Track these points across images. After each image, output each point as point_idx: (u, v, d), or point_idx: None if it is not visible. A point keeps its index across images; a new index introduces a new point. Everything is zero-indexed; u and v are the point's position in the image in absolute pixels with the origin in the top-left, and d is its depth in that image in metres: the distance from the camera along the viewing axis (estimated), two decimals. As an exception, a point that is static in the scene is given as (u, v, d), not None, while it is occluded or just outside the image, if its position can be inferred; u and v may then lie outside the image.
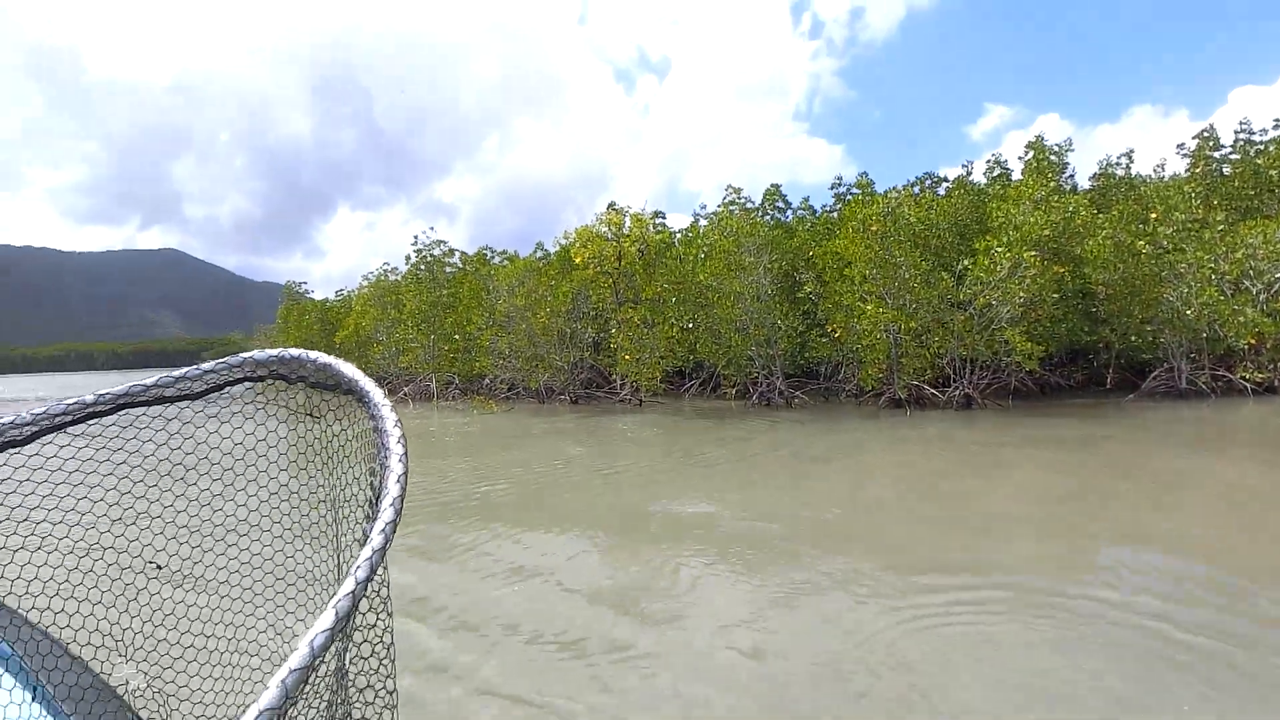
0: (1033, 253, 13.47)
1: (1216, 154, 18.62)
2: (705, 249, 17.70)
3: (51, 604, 1.12)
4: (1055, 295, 14.34)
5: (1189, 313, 14.13)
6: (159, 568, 1.10)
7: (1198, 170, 17.87)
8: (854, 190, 19.95)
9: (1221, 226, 14.56)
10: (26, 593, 1.11)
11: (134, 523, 1.12)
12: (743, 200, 18.97)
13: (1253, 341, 13.64)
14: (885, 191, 17.28)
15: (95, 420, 0.98)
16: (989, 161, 21.71)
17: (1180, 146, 19.50)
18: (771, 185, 20.17)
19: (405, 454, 0.89)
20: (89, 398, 0.95)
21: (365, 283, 28.80)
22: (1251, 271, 14.16)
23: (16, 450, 1.06)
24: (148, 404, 0.96)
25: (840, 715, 2.97)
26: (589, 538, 5.86)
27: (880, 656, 3.46)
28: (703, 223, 20.94)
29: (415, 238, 24.86)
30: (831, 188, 20.52)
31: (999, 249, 13.66)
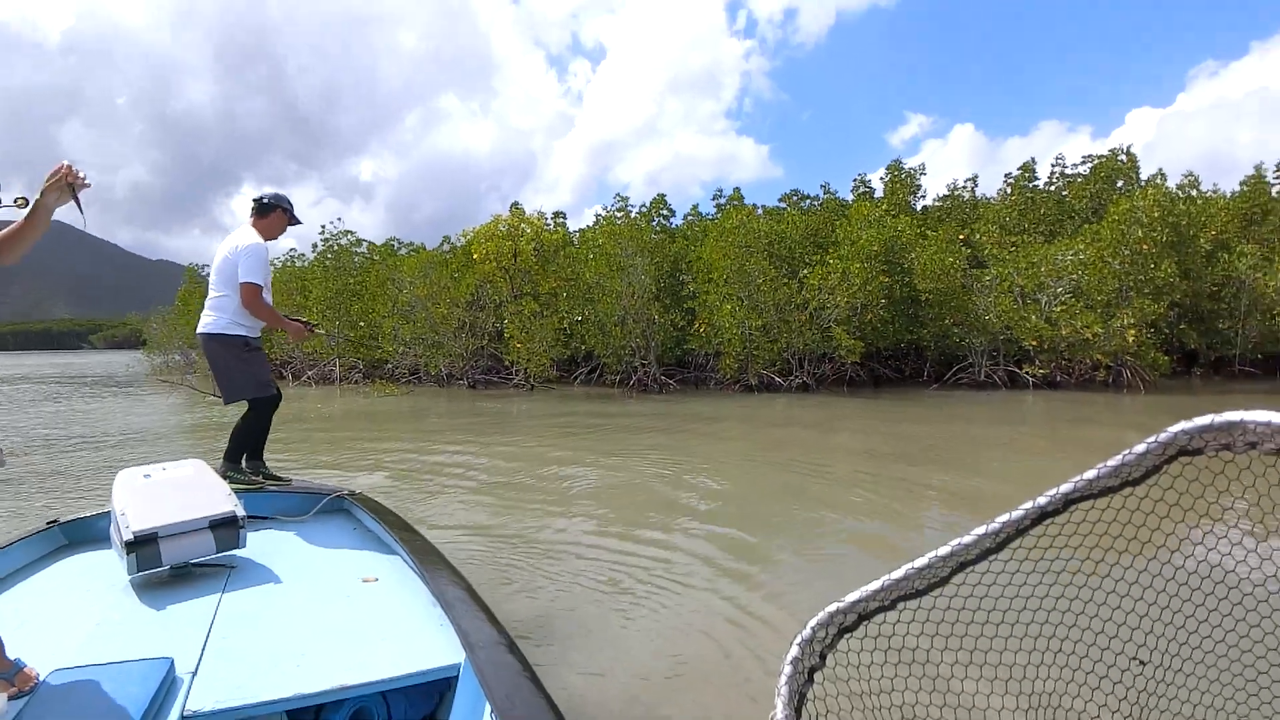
0: (859, 265, 15.98)
1: (1033, 184, 21.92)
2: (594, 250, 19.53)
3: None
4: (884, 300, 16.95)
5: (989, 318, 17.04)
6: (1143, 663, 1.04)
7: (1014, 197, 21.03)
8: (733, 202, 22.26)
9: (1013, 248, 17.55)
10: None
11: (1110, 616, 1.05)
12: (628, 208, 20.94)
13: (1035, 343, 16.60)
14: (750, 205, 19.65)
15: (1049, 520, 0.92)
16: (854, 180, 24.58)
17: (1007, 175, 22.76)
18: (658, 195, 22.27)
19: None
20: (1041, 499, 0.91)
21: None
22: (1040, 286, 17.15)
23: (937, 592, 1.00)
24: (1095, 496, 0.89)
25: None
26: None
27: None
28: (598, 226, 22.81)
29: (323, 227, 25.59)
30: (713, 199, 22.83)
31: (832, 261, 16.13)
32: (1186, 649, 1.04)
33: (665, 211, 22.12)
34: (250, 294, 3.77)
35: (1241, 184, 22.82)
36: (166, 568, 2.40)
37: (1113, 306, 16.39)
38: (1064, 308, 16.38)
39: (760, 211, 20.33)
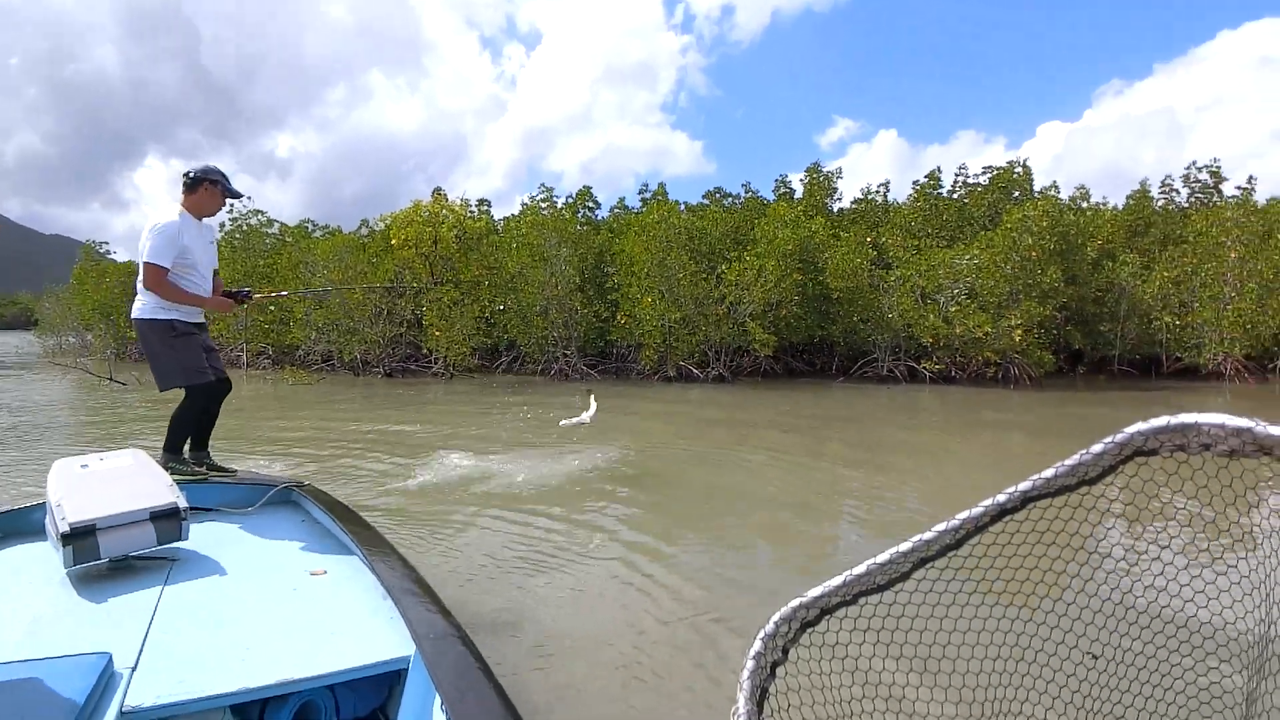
0: (775, 262, 16.62)
1: (938, 192, 23.12)
2: (517, 240, 19.54)
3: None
4: (797, 297, 17.67)
5: (892, 316, 18.00)
6: (1095, 658, 1.06)
7: (919, 203, 22.19)
8: (657, 197, 22.63)
9: (916, 251, 18.59)
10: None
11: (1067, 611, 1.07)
12: (553, 198, 21.05)
13: (932, 340, 17.65)
14: (673, 202, 20.11)
15: (1008, 518, 0.95)
16: (776, 181, 25.36)
17: (915, 182, 23.93)
18: (584, 187, 22.44)
19: None
20: (1001, 497, 0.93)
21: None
22: (938, 287, 18.21)
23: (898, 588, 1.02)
24: (1053, 495, 0.92)
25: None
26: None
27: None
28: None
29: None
30: (639, 193, 23.17)
31: (749, 258, 16.71)
32: (1139, 644, 1.06)
33: (591, 204, 22.30)
34: (151, 276, 3.53)
35: (1128, 198, 24.72)
36: (105, 560, 2.30)
37: (1003, 308, 17.57)
38: (959, 308, 17.47)
39: (683, 208, 20.78)
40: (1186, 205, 23.88)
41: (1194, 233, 20.15)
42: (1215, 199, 23.23)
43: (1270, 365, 19.29)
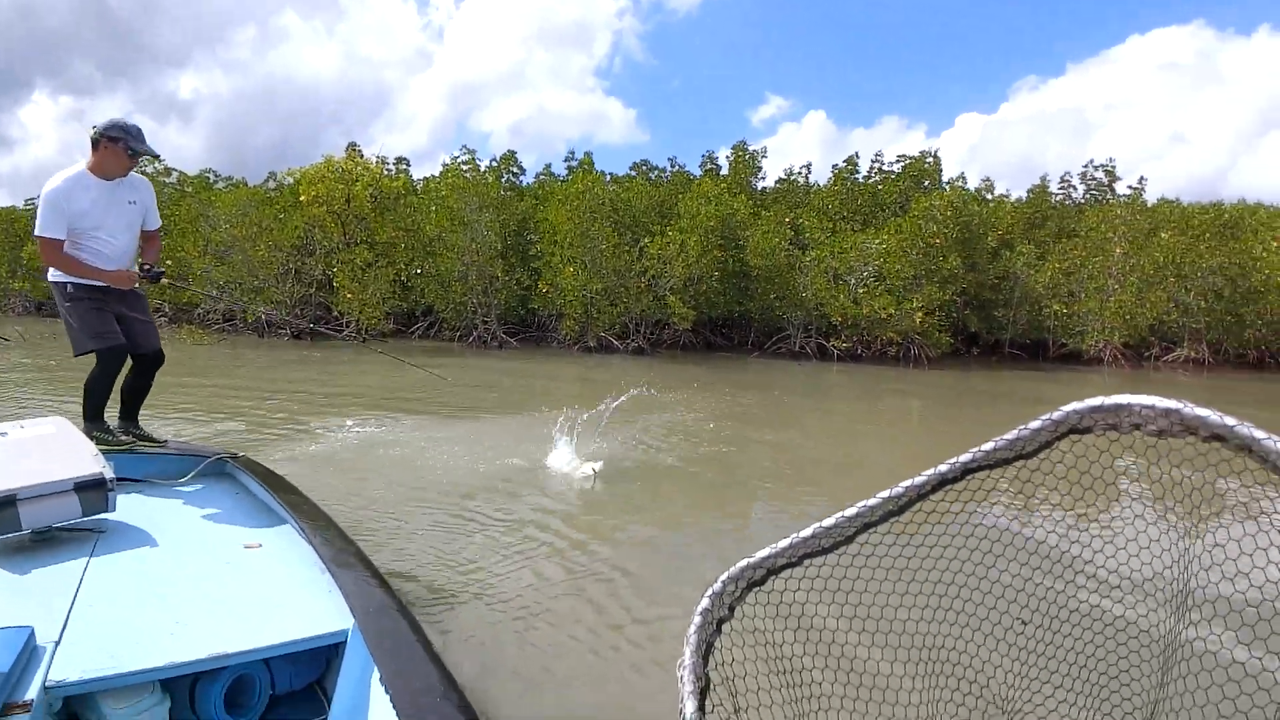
0: (696, 238, 16.88)
1: (855, 177, 23.92)
2: (436, 202, 19.03)
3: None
4: (717, 273, 18.02)
5: (806, 296, 18.64)
6: (1024, 623, 1.11)
7: (836, 187, 22.92)
8: (583, 167, 22.44)
9: (831, 234, 19.26)
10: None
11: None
12: (475, 160, 20.56)
13: (841, 319, 18.41)
14: (599, 172, 20.04)
15: (948, 487, 0.99)
16: (703, 157, 25.56)
17: (834, 166, 24.67)
18: (508, 151, 22.01)
19: None
20: (943, 467, 0.97)
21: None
22: (849, 269, 18.96)
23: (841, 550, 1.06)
24: (991, 467, 0.96)
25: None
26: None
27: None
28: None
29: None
30: (565, 160, 22.90)
31: (671, 232, 16.91)
32: (1065, 610, 1.12)
33: (515, 169, 21.89)
34: (42, 251, 3.30)
35: (1028, 191, 26.17)
36: (27, 532, 2.24)
37: (907, 291, 18.47)
38: (867, 290, 18.27)
39: (608, 179, 20.70)
40: (1082, 201, 25.43)
41: (1086, 228, 21.53)
42: (1109, 196, 24.90)
43: (1145, 353, 21.03)
